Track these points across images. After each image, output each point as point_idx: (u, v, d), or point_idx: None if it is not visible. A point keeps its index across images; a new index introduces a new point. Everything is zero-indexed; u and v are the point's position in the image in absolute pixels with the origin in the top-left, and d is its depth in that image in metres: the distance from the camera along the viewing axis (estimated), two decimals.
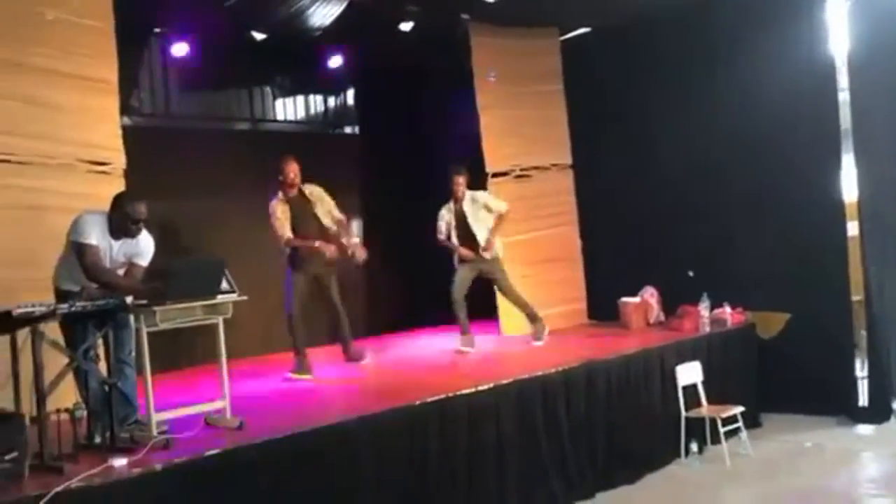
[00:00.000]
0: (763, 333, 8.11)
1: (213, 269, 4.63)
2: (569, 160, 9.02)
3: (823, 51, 7.64)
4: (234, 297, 4.76)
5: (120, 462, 4.09)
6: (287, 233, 6.62)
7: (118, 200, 4.76)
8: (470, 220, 7.58)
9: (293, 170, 6.71)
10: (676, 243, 8.60)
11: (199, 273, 4.59)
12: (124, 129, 7.72)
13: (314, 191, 6.83)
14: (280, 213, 6.65)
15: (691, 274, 8.52)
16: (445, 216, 7.68)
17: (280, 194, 6.74)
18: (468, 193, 7.63)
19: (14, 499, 3.65)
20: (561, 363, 6.25)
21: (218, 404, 4.86)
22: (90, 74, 5.84)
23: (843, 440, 7.15)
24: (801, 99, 7.70)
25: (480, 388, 5.53)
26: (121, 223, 4.70)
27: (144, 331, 4.52)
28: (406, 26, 7.88)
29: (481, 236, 7.57)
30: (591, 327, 8.67)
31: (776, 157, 7.93)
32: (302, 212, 6.73)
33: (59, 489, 3.69)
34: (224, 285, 4.73)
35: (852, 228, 7.71)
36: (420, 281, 9.21)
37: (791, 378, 7.85)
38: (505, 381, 5.71)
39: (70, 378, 4.74)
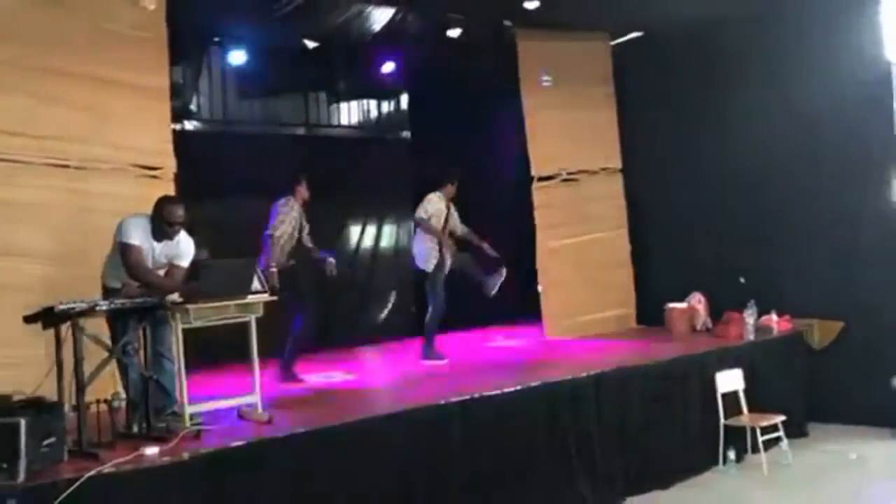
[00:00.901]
0: (816, 342, 7.96)
1: (244, 270, 4.86)
2: (619, 164, 9.02)
3: (878, 54, 7.46)
4: (265, 297, 4.99)
5: (151, 450, 4.34)
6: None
7: (158, 204, 5.04)
8: (452, 223, 7.68)
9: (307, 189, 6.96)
10: (728, 249, 8.51)
11: (230, 273, 4.82)
12: (184, 133, 8.18)
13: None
14: (292, 211, 6.87)
15: (743, 280, 8.42)
16: (438, 203, 7.61)
17: (292, 199, 6.93)
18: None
19: (51, 481, 3.93)
20: (595, 367, 6.31)
21: (249, 399, 5.10)
22: (143, 83, 6.15)
23: (891, 453, 6.98)
24: (855, 104, 7.56)
25: (506, 389, 5.64)
26: (159, 225, 4.98)
27: (180, 327, 4.79)
28: (454, 32, 8.02)
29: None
30: (638, 332, 8.66)
31: (829, 162, 7.79)
32: (299, 224, 6.95)
33: (91, 474, 3.96)
34: (255, 285, 4.95)
35: None
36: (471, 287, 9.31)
37: (843, 388, 7.69)
38: (533, 384, 5.81)
39: (114, 370, 5.07)
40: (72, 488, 3.86)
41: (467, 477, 5.30)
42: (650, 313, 8.85)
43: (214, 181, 8.01)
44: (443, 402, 5.34)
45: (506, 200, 9.11)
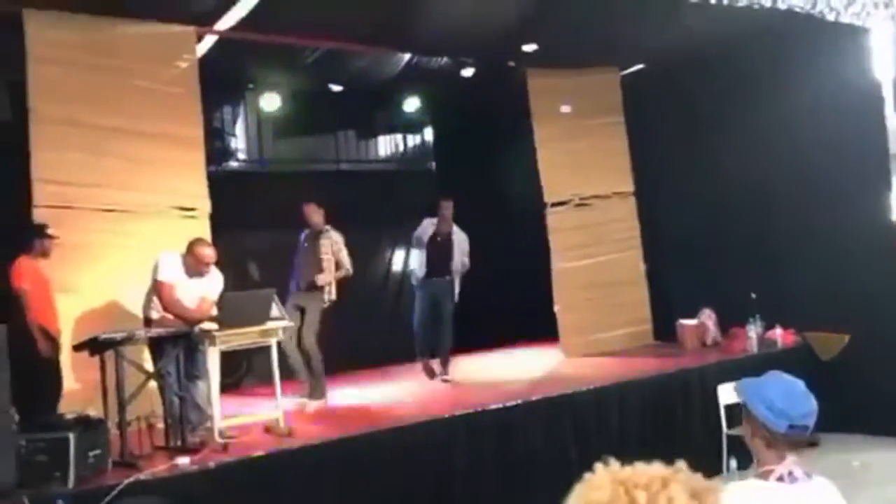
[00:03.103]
0: (823, 354, 8.26)
1: (262, 300, 5.49)
2: (631, 188, 9.45)
3: (869, 76, 7.80)
4: (283, 323, 5.61)
5: (183, 460, 5.00)
6: None
7: (190, 245, 5.72)
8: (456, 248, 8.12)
9: (309, 210, 7.43)
10: (739, 266, 8.81)
11: (250, 304, 5.46)
12: (226, 172, 8.92)
13: (333, 236, 7.40)
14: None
15: (754, 296, 8.75)
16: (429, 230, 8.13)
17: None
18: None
19: (96, 486, 4.60)
20: (598, 381, 6.78)
21: (272, 414, 5.71)
22: (179, 133, 6.85)
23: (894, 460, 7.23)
24: (848, 124, 7.87)
25: (508, 404, 6.14)
26: (192, 264, 5.65)
27: (208, 351, 5.44)
28: (467, 72, 8.60)
29: (459, 260, 8.12)
30: (651, 348, 9.04)
31: (828, 181, 8.10)
32: (310, 247, 7.40)
33: (129, 480, 4.63)
34: (275, 312, 5.58)
35: None
36: (492, 305, 9.82)
37: (852, 398, 7.94)
38: (534, 398, 6.30)
39: (156, 391, 5.75)
40: (114, 492, 4.52)
41: (469, 489, 5.78)
42: (666, 329, 9.23)
43: (254, 216, 8.71)
44: (447, 416, 5.87)
45: (526, 225, 9.57)
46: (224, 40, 7.34)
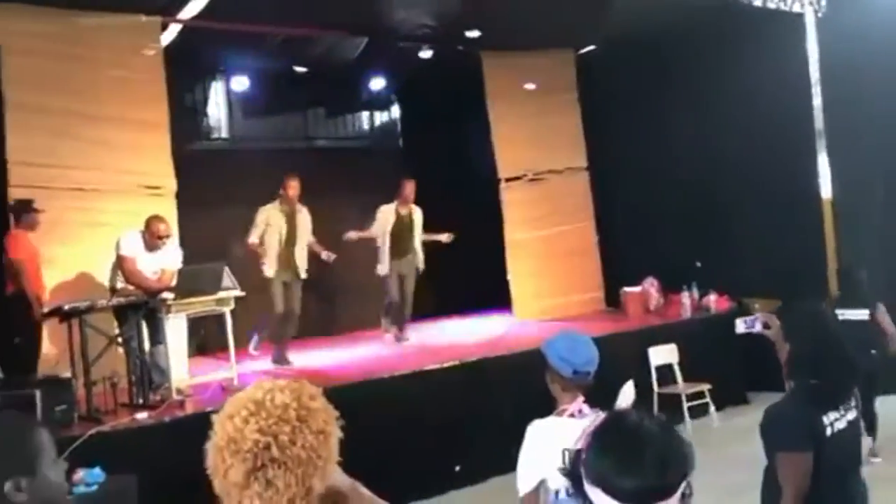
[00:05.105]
0: None
1: (214, 272, 6.05)
2: (584, 163, 9.95)
3: (799, 58, 8.27)
4: (235, 292, 6.18)
5: (142, 415, 5.60)
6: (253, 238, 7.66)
7: (147, 222, 6.27)
8: (416, 228, 8.52)
9: (293, 186, 7.77)
10: (685, 237, 9.36)
11: (202, 275, 6.02)
12: (196, 152, 9.44)
13: (305, 215, 7.89)
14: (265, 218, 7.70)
15: (699, 265, 9.29)
16: (386, 215, 8.41)
17: (277, 203, 7.78)
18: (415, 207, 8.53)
19: (60, 437, 5.16)
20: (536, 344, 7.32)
21: (227, 374, 6.30)
22: (145, 117, 7.37)
23: None
24: (781, 103, 8.36)
25: (447, 364, 6.72)
26: (148, 238, 6.21)
27: (164, 318, 6.02)
28: (425, 54, 9.07)
29: (419, 243, 8.53)
30: (600, 314, 9.61)
31: (763, 157, 8.62)
32: (292, 223, 7.80)
33: (91, 432, 5.22)
34: (227, 283, 6.14)
35: None
36: (453, 278, 10.29)
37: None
38: (473, 359, 6.88)
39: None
40: (77, 442, 5.10)
41: (417, 439, 6.33)
42: (617, 296, 9.78)
43: (225, 193, 9.22)
44: (387, 375, 6.45)
45: (488, 199, 10.07)
46: (192, 27, 7.83)
